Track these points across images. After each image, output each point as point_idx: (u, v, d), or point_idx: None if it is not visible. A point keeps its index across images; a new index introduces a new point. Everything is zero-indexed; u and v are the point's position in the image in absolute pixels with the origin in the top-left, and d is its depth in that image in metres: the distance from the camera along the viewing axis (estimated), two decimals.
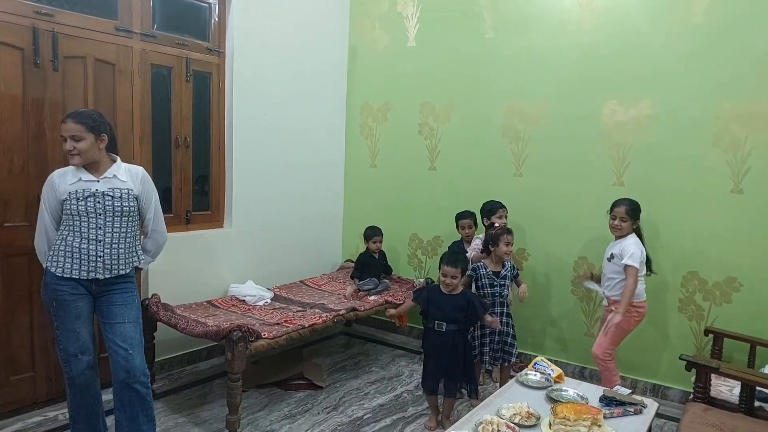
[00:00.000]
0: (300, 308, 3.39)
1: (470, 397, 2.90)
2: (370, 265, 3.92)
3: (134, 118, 3.16)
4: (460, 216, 3.74)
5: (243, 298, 3.46)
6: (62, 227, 2.31)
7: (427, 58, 4.13)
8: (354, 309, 3.42)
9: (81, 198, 2.26)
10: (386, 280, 3.97)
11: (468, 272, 3.22)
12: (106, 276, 2.33)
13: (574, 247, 3.66)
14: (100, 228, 2.29)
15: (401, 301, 3.73)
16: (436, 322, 2.81)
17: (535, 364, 2.64)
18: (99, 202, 2.28)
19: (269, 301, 3.50)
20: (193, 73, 3.44)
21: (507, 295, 3.20)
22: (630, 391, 2.43)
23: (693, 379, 2.97)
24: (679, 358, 2.83)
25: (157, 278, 3.24)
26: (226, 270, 3.66)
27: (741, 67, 3.10)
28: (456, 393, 2.87)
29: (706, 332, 3.12)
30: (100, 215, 2.29)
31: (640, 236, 3.02)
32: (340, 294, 3.76)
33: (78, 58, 2.89)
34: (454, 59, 4.01)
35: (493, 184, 3.89)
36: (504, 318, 3.17)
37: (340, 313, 3.31)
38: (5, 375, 2.77)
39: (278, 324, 3.06)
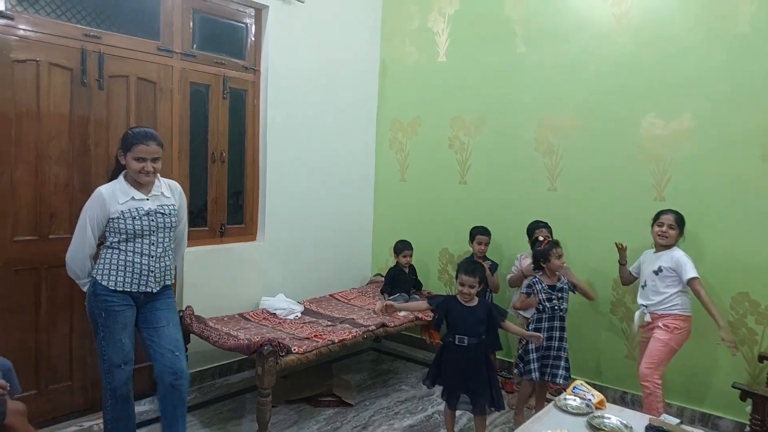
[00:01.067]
0: (330, 323, 3.38)
1: (496, 410, 2.77)
2: (400, 280, 3.89)
3: (173, 134, 3.26)
4: (478, 231, 3.69)
5: (274, 312, 3.48)
6: (110, 242, 2.37)
7: (458, 73, 4.12)
8: (384, 325, 3.38)
9: (136, 217, 2.35)
10: (416, 296, 3.92)
11: (523, 290, 3.17)
12: (157, 289, 2.45)
13: (613, 263, 3.51)
14: (153, 244, 2.40)
15: (431, 318, 3.66)
16: (457, 336, 2.69)
17: (574, 388, 2.51)
18: (153, 220, 2.38)
19: (299, 314, 3.51)
20: (229, 91, 3.53)
21: (566, 309, 3.11)
22: (678, 420, 2.26)
23: (748, 409, 2.78)
24: (732, 386, 2.66)
25: (191, 290, 3.30)
26: (258, 283, 3.69)
27: None
28: (485, 411, 2.75)
29: (761, 358, 2.94)
30: (153, 232, 2.39)
31: None
32: (369, 309, 3.73)
33: (122, 77, 3.01)
34: (485, 74, 3.99)
35: (526, 198, 3.82)
36: (558, 333, 3.07)
37: (370, 328, 3.29)
38: (45, 384, 2.85)
39: (308, 338, 3.06)
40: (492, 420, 3.14)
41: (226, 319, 3.31)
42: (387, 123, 4.53)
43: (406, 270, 3.96)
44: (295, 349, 2.85)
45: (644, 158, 3.40)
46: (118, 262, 2.35)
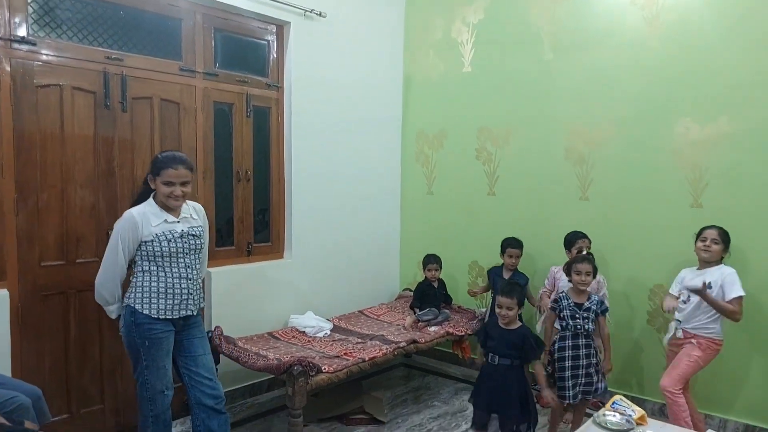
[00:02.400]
0: (360, 340, 3.32)
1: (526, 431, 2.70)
2: (429, 295, 3.82)
3: (197, 153, 3.25)
4: (509, 243, 3.64)
5: (303, 330, 3.43)
6: (144, 267, 2.35)
7: (484, 83, 4.05)
8: (414, 341, 3.31)
9: (171, 240, 2.35)
10: (446, 311, 3.85)
11: (551, 305, 3.09)
12: (195, 312, 2.47)
13: (649, 273, 3.42)
14: (188, 267, 2.41)
15: (462, 333, 3.60)
16: (490, 354, 2.72)
17: (613, 404, 2.42)
18: (186, 242, 2.39)
19: (329, 332, 3.46)
20: (253, 109, 3.51)
21: (591, 329, 2.99)
22: None
23: None
24: None
25: (219, 310, 3.27)
26: (286, 301, 3.66)
27: None
28: (512, 429, 2.69)
29: None
30: (187, 254, 2.40)
31: None
32: (399, 324, 3.67)
33: (145, 99, 3.00)
34: (512, 82, 3.91)
35: (557, 209, 3.72)
36: (584, 350, 2.96)
37: (400, 345, 3.22)
38: (77, 407, 2.84)
39: (338, 357, 3.01)
40: None
41: (255, 338, 3.27)
42: (412, 136, 4.47)
43: (436, 284, 3.89)
44: (325, 368, 2.80)
45: (679, 164, 3.29)
46: (158, 287, 2.34)
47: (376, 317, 3.87)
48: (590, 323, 2.99)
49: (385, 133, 4.37)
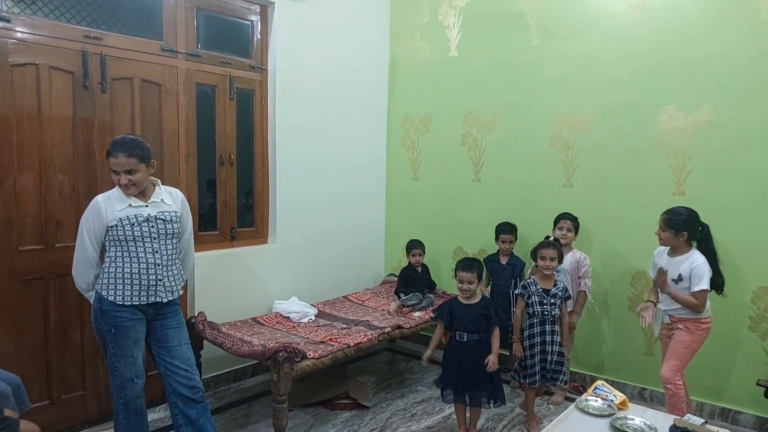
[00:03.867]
0: (344, 325, 3.33)
1: (494, 404, 2.81)
2: (413, 280, 3.83)
3: (180, 136, 3.18)
4: (502, 230, 3.66)
5: (287, 315, 3.42)
6: (111, 253, 2.31)
7: (470, 68, 4.02)
8: (399, 327, 3.33)
9: (135, 223, 2.28)
10: (430, 295, 3.87)
11: (518, 291, 3.13)
12: (169, 298, 2.39)
13: (631, 260, 3.46)
14: (156, 252, 2.33)
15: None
16: (458, 332, 2.77)
17: (595, 389, 2.47)
18: (153, 227, 2.31)
19: (313, 317, 3.45)
20: (236, 91, 3.45)
21: (557, 315, 3.04)
22: (703, 420, 2.23)
23: None
24: (757, 384, 2.63)
25: (203, 296, 3.24)
26: (271, 286, 3.64)
27: None
28: (482, 403, 2.80)
29: None
30: (155, 239, 2.32)
31: (710, 255, 2.77)
32: (384, 310, 3.67)
33: (125, 80, 2.93)
34: (498, 68, 3.89)
35: (542, 195, 3.74)
36: (549, 336, 3.02)
37: (385, 330, 3.23)
38: (57, 394, 2.81)
39: (323, 342, 3.01)
40: (500, 414, 3.19)
41: (239, 324, 3.25)
42: (398, 120, 4.44)
43: (419, 269, 3.90)
44: (310, 354, 2.80)
45: (663, 152, 3.32)
46: (123, 273, 2.28)
47: (360, 302, 3.88)
48: (557, 309, 3.03)
49: (371, 117, 4.33)
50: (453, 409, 3.27)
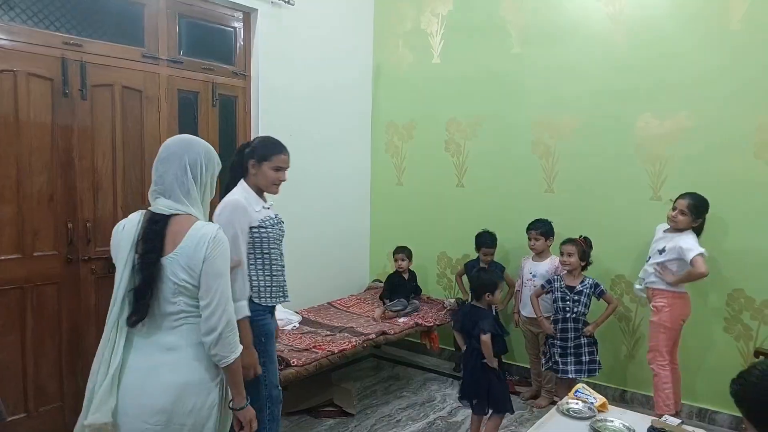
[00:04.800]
0: (329, 332, 3.32)
1: (496, 413, 2.75)
2: (399, 286, 3.85)
3: (161, 143, 3.13)
4: (484, 243, 3.68)
5: None
6: (249, 255, 2.17)
7: (453, 75, 4.07)
8: (384, 333, 3.34)
9: (275, 224, 2.26)
10: (416, 301, 3.88)
11: (543, 284, 3.30)
12: (288, 300, 2.38)
13: (610, 264, 3.53)
14: (282, 254, 2.31)
15: (431, 323, 3.65)
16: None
17: (576, 392, 2.50)
18: (279, 229, 2.30)
19: (297, 324, 3.44)
20: (219, 97, 3.44)
21: (580, 312, 3.17)
22: (680, 421, 2.28)
23: None
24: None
25: None
26: None
27: None
28: (481, 411, 2.78)
29: (756, 353, 2.95)
30: (281, 241, 2.30)
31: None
32: (368, 316, 3.68)
33: (106, 86, 2.89)
34: (480, 75, 3.94)
35: (524, 201, 3.79)
36: (572, 333, 3.20)
37: (370, 337, 3.24)
38: (34, 405, 2.74)
39: (307, 350, 3.00)
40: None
41: None
42: (382, 126, 4.47)
43: (406, 276, 3.92)
44: (294, 362, 2.79)
45: (641, 158, 3.39)
46: (264, 274, 2.21)
47: (345, 309, 3.87)
48: (582, 306, 3.11)
49: (355, 123, 4.34)
50: (437, 414, 3.30)
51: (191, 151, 1.62)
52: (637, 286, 3.17)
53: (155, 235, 1.53)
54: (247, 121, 3.60)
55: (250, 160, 2.23)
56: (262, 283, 2.22)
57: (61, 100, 2.73)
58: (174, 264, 1.52)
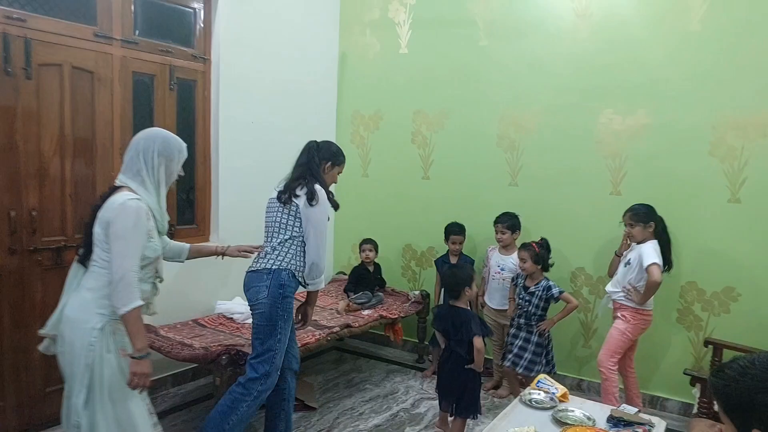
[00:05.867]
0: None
1: (459, 417, 2.72)
2: (364, 278, 3.81)
3: (114, 128, 2.99)
4: (452, 231, 3.68)
5: (231, 316, 3.31)
6: (298, 232, 2.40)
7: (420, 66, 4.03)
8: (348, 326, 3.30)
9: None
10: (380, 294, 3.86)
11: (512, 277, 3.38)
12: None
13: (571, 257, 3.59)
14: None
15: (396, 316, 3.63)
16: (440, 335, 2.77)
17: (538, 383, 2.54)
18: None
19: None
20: (177, 81, 3.29)
21: (533, 313, 3.21)
22: (637, 409, 2.35)
23: (694, 392, 2.94)
24: (684, 373, 2.79)
25: None
26: (213, 286, 3.50)
27: (737, 74, 3.08)
28: (450, 410, 2.75)
29: (706, 343, 3.07)
30: None
31: (664, 242, 2.99)
32: (332, 309, 3.63)
33: (53, 66, 2.71)
34: (448, 66, 3.92)
35: (488, 194, 3.81)
36: (524, 329, 3.25)
37: (334, 330, 3.19)
38: None
39: None
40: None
41: (178, 326, 3.11)
42: (348, 116, 4.39)
43: (371, 268, 3.88)
44: None
45: (602, 154, 3.46)
46: (303, 256, 2.40)
47: None
48: (533, 308, 3.16)
49: (320, 112, 4.25)
50: (400, 406, 3.29)
51: (147, 140, 1.94)
52: (606, 304, 3.18)
53: (102, 198, 1.89)
54: (206, 107, 3.47)
55: (326, 163, 2.58)
56: (300, 259, 2.41)
57: (3, 79, 2.54)
58: (98, 219, 1.85)
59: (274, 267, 2.33)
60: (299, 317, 2.58)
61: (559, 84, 3.54)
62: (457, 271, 2.73)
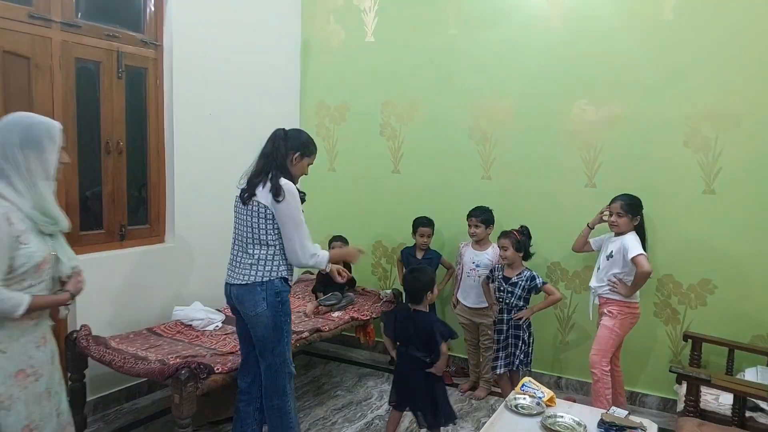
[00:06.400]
0: None
1: (430, 428, 2.58)
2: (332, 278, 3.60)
3: (55, 119, 2.68)
4: (420, 223, 3.57)
5: (189, 323, 3.05)
6: (277, 234, 2.30)
7: (387, 55, 3.86)
8: (318, 330, 3.10)
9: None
10: (350, 294, 3.67)
11: (488, 273, 3.25)
12: None
13: (546, 251, 3.50)
14: None
15: (367, 317, 3.46)
16: (399, 343, 2.60)
17: (522, 386, 2.43)
18: None
19: (220, 324, 3.11)
20: (125, 69, 3.02)
21: (514, 304, 3.11)
22: (627, 412, 2.26)
23: (676, 388, 2.90)
24: (670, 371, 2.70)
25: (86, 305, 2.75)
26: (169, 291, 3.25)
27: (710, 64, 3.04)
28: (404, 409, 2.64)
29: (685, 337, 3.03)
30: None
31: (642, 236, 2.94)
32: (300, 311, 3.42)
33: None
34: (416, 56, 3.77)
35: (461, 188, 3.69)
36: (506, 325, 3.13)
37: (303, 336, 2.99)
38: None
39: (232, 353, 2.70)
40: None
41: (132, 336, 2.85)
42: (312, 107, 4.18)
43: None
44: (218, 368, 2.50)
45: (576, 145, 3.38)
46: (283, 254, 2.31)
47: None
48: (515, 298, 3.04)
49: (282, 103, 4.03)
50: (375, 413, 3.13)
51: (4, 133, 1.66)
52: (594, 301, 3.09)
53: None
54: (159, 96, 3.20)
55: (294, 153, 2.39)
56: (285, 262, 2.33)
57: None
58: None
59: (265, 279, 2.26)
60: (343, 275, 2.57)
61: (531, 74, 3.44)
62: (419, 275, 2.57)
